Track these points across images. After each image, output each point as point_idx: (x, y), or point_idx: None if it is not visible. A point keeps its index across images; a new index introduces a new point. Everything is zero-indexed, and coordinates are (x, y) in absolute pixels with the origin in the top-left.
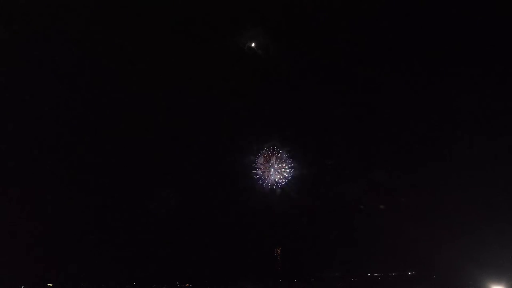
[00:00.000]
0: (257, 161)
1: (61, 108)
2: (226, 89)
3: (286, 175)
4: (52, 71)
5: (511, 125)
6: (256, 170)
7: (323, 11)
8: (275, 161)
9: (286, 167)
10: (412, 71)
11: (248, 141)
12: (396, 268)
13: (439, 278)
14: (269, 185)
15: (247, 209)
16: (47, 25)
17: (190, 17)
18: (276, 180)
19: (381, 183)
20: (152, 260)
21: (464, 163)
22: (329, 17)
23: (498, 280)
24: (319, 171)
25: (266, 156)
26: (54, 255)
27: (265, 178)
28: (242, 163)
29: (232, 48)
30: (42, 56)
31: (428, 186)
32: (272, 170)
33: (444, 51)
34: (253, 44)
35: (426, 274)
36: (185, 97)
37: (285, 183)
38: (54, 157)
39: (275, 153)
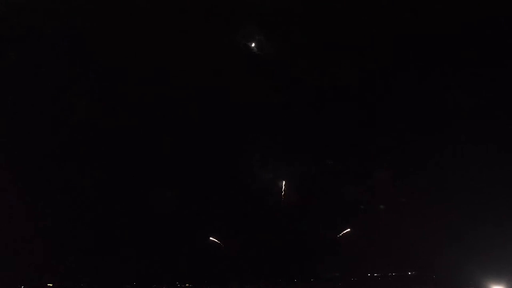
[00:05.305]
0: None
1: (59, 107)
2: (225, 88)
3: None
4: (48, 70)
5: None
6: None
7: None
8: None
9: None
10: (413, 71)
11: (247, 141)
12: (396, 268)
13: (439, 278)
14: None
15: (247, 209)
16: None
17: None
18: None
19: (381, 183)
20: (152, 260)
21: (464, 163)
22: (328, 16)
23: (498, 280)
24: (319, 171)
25: None
26: (54, 255)
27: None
28: (241, 163)
29: (232, 47)
30: (36, 55)
31: (429, 186)
32: None
33: (449, 53)
34: (253, 45)
35: (426, 274)
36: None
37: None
38: (54, 156)
39: None
